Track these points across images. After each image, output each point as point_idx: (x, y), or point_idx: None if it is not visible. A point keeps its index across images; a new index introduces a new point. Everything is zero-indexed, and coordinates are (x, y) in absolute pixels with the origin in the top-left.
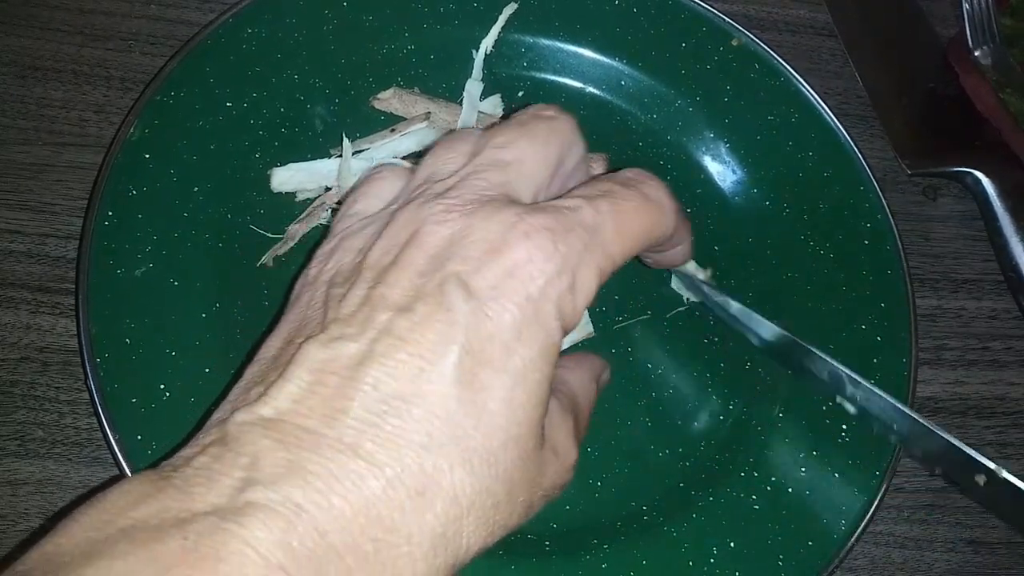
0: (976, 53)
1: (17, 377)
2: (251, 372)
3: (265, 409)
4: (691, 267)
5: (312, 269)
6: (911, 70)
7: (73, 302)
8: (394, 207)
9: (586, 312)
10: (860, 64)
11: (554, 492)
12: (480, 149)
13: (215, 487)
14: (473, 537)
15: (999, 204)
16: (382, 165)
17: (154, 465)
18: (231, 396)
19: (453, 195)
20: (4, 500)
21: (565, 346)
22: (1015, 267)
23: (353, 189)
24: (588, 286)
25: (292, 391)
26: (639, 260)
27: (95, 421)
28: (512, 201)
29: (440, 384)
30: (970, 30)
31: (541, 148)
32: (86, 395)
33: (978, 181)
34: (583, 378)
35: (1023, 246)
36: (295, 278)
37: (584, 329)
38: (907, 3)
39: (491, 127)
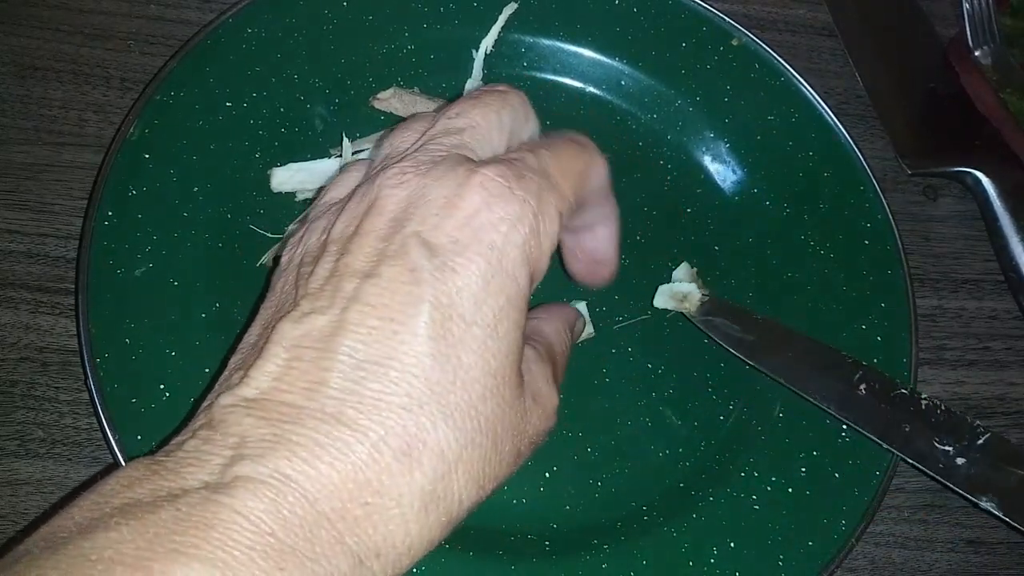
0: (976, 53)
1: (17, 377)
2: (233, 360)
3: (247, 390)
4: (682, 271)
5: (284, 257)
6: (911, 70)
7: (73, 302)
8: (355, 187)
9: (586, 312)
10: (860, 64)
11: (540, 438)
12: (434, 123)
13: (205, 466)
14: (465, 491)
15: (999, 204)
16: (353, 160)
17: (150, 454)
18: (216, 385)
19: (407, 160)
20: (4, 500)
21: None
22: (1015, 267)
23: (323, 185)
24: (551, 227)
25: (271, 370)
26: (568, 267)
27: (95, 421)
28: (466, 159)
29: (414, 344)
30: (970, 30)
31: (494, 115)
32: (86, 395)
33: (978, 181)
34: (556, 326)
35: (1023, 246)
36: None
37: (584, 329)
38: (907, 3)
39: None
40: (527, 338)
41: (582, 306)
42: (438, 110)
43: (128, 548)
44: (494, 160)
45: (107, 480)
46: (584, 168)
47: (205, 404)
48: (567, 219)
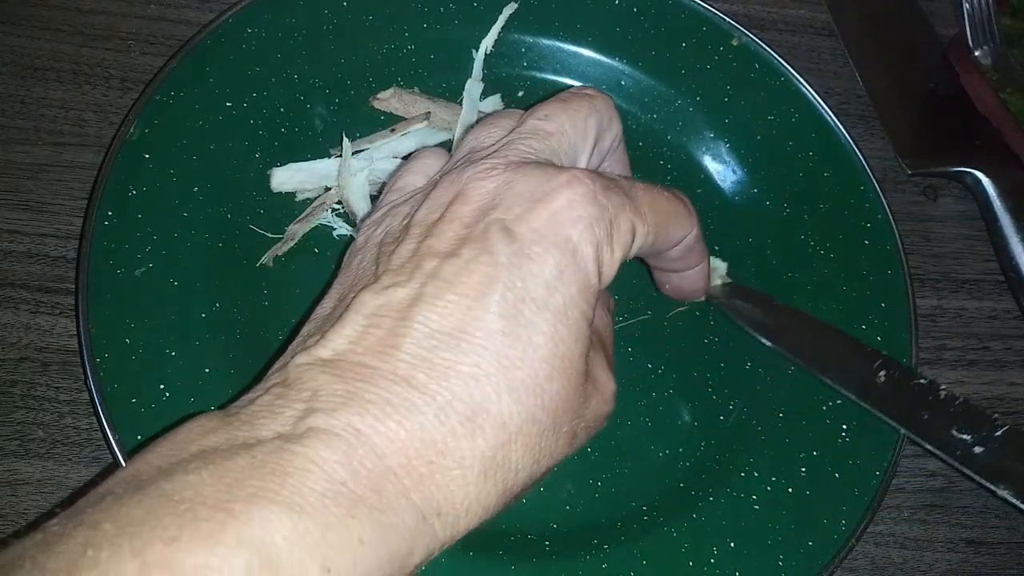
0: (976, 53)
1: (17, 377)
2: (307, 328)
3: (323, 351)
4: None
5: (360, 237)
6: (911, 70)
7: (73, 302)
8: (438, 176)
9: None
10: (860, 64)
11: (597, 423)
12: (522, 121)
13: (279, 419)
14: (521, 463)
15: (999, 204)
16: (424, 148)
17: (222, 407)
18: (290, 348)
19: (497, 156)
20: (4, 500)
21: None
22: (1015, 267)
23: (397, 169)
24: (624, 239)
25: (348, 333)
26: (657, 287)
27: (95, 421)
28: (553, 164)
29: (486, 320)
30: (970, 30)
31: (581, 122)
32: (86, 395)
33: (978, 181)
34: (599, 313)
35: (1023, 246)
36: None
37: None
38: (907, 3)
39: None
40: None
41: None
42: (524, 111)
43: (209, 491)
44: (584, 169)
45: (180, 429)
46: (673, 213)
47: (278, 365)
48: (643, 245)
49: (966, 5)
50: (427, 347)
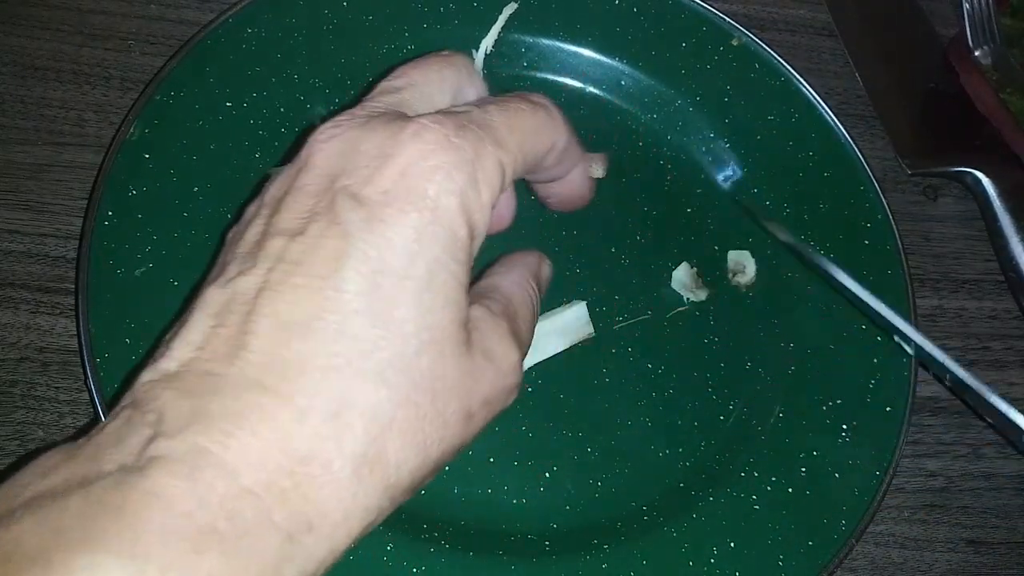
0: (976, 53)
1: (17, 377)
2: (168, 335)
3: (168, 363)
4: (682, 271)
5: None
6: (911, 70)
7: (73, 302)
8: None
9: (586, 312)
10: (860, 64)
11: (498, 399)
12: (373, 87)
13: (123, 448)
14: (403, 454)
15: (999, 204)
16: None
17: (73, 439)
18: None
19: (343, 116)
20: None
21: (565, 347)
22: (1015, 267)
23: None
24: (491, 177)
25: (193, 339)
26: (542, 203)
27: (95, 421)
28: (403, 114)
29: (340, 301)
30: (970, 30)
31: (435, 73)
32: (86, 395)
33: (978, 181)
34: (515, 279)
35: (1023, 246)
36: None
37: (584, 329)
38: (907, 3)
39: None
40: (479, 296)
41: (582, 306)
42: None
43: (31, 541)
44: (433, 113)
45: (24, 470)
46: (536, 126)
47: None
48: (515, 174)
49: (966, 5)
50: (278, 341)
